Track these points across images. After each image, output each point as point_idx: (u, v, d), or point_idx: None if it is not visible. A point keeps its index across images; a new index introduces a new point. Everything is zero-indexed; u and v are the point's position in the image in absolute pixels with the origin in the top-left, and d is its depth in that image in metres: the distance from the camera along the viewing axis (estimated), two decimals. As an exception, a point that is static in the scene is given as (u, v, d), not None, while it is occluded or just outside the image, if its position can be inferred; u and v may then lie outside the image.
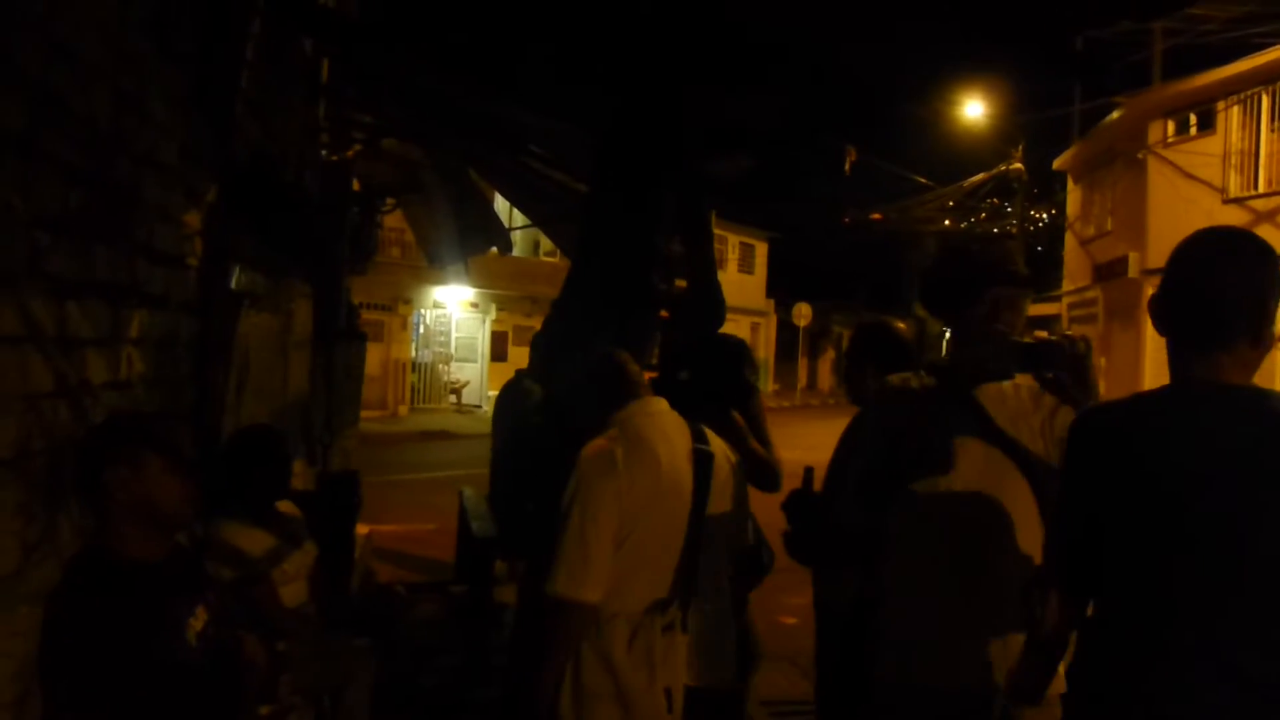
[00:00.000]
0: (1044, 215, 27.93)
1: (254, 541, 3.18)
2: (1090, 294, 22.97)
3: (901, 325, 3.47)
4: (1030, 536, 2.27)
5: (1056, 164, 25.46)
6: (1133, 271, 19.20)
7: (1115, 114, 20.72)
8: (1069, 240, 25.49)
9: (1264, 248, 1.74)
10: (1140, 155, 19.39)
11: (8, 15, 1.87)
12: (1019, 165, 25.11)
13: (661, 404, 2.87)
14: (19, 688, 2.04)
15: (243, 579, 3.08)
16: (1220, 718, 1.61)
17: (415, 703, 4.42)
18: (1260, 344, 1.72)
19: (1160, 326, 1.80)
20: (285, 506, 3.46)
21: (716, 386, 3.70)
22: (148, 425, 2.25)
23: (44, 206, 2.07)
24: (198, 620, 2.23)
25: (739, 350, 3.95)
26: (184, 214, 3.18)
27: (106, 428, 2.24)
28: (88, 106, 2.31)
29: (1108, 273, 21.19)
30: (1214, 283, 1.72)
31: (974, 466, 2.29)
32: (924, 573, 2.34)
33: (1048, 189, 27.51)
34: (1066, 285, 25.50)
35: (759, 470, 3.60)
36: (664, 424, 2.81)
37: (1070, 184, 25.43)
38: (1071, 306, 25.04)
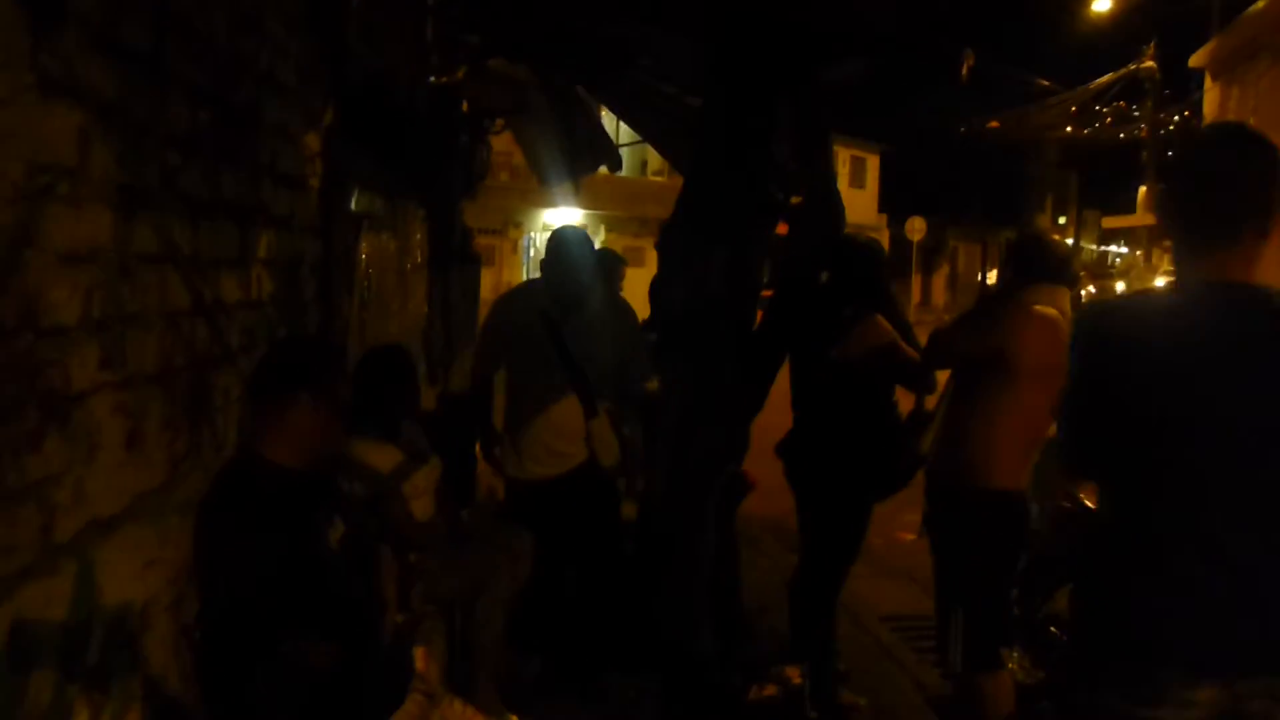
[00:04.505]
0: (1176, 117, 26.28)
1: (384, 458, 3.25)
2: (1229, 199, 21.73)
3: (1057, 239, 3.48)
4: None
5: (1193, 61, 23.85)
6: (1277, 174, 18.04)
7: (1261, 3, 19.27)
8: (1206, 142, 24.02)
9: (1264, 139, 1.80)
10: (1288, 47, 18.01)
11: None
12: (1151, 64, 23.57)
13: None
14: (175, 592, 2.14)
15: (375, 494, 3.16)
16: (1213, 608, 1.64)
17: (540, 613, 4.50)
18: (1265, 236, 1.75)
19: (1167, 225, 1.86)
20: (408, 425, 3.52)
21: (857, 286, 3.73)
22: (313, 362, 2.33)
23: (173, 126, 2.11)
24: (335, 530, 2.31)
25: (875, 249, 3.92)
26: (304, 136, 3.21)
27: (279, 355, 2.39)
28: (208, 25, 2.33)
29: (1249, 176, 19.96)
30: (1221, 178, 1.78)
31: None
32: None
33: (1183, 89, 25.85)
34: (1202, 190, 24.12)
35: (914, 373, 3.59)
36: None
37: (1208, 82, 23.83)
38: (1207, 213, 23.71)
